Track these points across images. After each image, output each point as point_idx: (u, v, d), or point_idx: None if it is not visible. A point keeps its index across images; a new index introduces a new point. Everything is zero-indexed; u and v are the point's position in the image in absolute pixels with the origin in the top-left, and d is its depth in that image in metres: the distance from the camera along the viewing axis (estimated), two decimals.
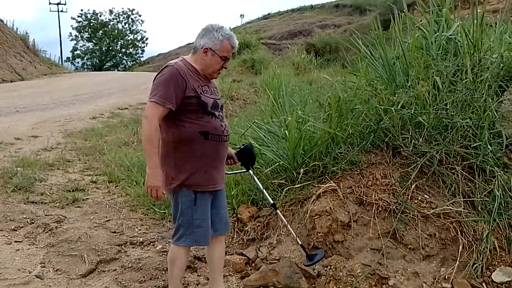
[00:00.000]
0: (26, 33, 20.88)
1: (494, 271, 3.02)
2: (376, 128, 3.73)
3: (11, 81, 16.07)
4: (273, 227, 3.74)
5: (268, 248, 3.58)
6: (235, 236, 3.89)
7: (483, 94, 3.61)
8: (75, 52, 46.83)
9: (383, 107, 3.70)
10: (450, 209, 3.24)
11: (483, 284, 2.95)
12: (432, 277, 3.07)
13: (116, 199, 4.98)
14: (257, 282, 3.19)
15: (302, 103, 4.97)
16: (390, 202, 3.35)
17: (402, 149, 3.56)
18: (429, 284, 3.03)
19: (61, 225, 4.05)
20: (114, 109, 10.93)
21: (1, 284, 2.99)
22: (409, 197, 3.37)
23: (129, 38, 48.55)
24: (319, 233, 3.38)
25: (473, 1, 4.32)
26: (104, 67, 45.38)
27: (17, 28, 20.88)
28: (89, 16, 46.81)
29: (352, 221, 3.38)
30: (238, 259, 3.50)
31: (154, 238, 3.98)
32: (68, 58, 45.20)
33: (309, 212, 3.48)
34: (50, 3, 40.67)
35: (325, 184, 3.60)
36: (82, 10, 52.62)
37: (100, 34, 46.52)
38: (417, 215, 3.27)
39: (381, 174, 3.57)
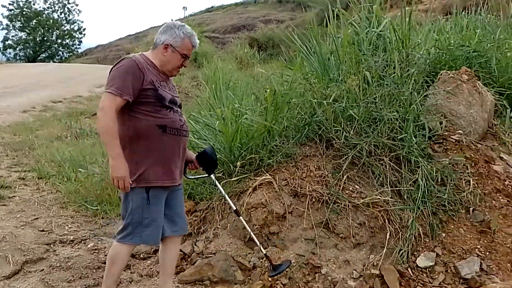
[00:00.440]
0: None
1: (418, 256, 3.18)
2: (310, 121, 3.80)
3: None
4: (210, 221, 3.72)
5: (204, 242, 3.55)
6: None
7: (409, 88, 3.80)
8: (7, 42, 43.85)
9: (316, 100, 3.78)
10: (379, 198, 3.38)
11: (409, 269, 3.10)
12: (362, 264, 3.19)
13: (45, 196, 4.76)
14: (192, 276, 3.16)
15: (240, 96, 4.97)
16: (323, 193, 3.44)
17: (334, 142, 3.66)
18: (359, 271, 3.14)
19: None
20: (47, 102, 10.42)
21: None
22: (341, 188, 3.47)
23: (65, 29, 46.13)
24: (255, 225, 3.40)
25: (405, 0, 4.52)
26: (39, 58, 42.89)
27: None
28: (21, 4, 43.99)
29: (287, 212, 3.43)
30: None
31: (85, 235, 3.83)
32: None
33: (245, 205, 3.49)
34: None
35: (261, 176, 3.62)
36: None
37: (33, 23, 43.88)
38: (348, 205, 3.38)
39: (315, 166, 3.65)
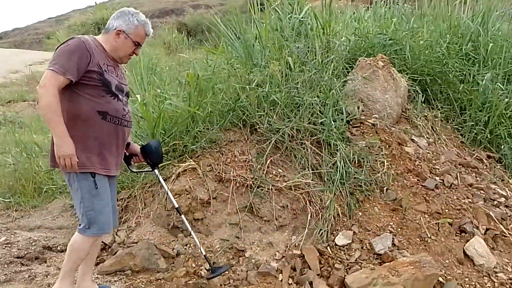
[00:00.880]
0: None
1: (337, 235, 3.32)
2: (234, 106, 3.80)
3: None
4: (132, 210, 3.61)
5: (126, 232, 3.44)
6: None
7: (329, 74, 3.91)
8: None
9: (240, 85, 3.78)
10: (300, 181, 3.47)
11: (328, 248, 3.22)
12: (284, 246, 3.27)
13: None
14: (112, 267, 3.06)
15: (163, 81, 4.84)
16: (248, 178, 3.47)
17: (258, 127, 3.70)
18: (281, 252, 3.22)
19: None
20: None
21: None
22: (265, 172, 3.52)
23: None
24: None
25: None
26: None
27: None
28: None
29: (211, 198, 3.43)
30: None
31: None
32: None
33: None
34: None
35: (185, 163, 3.58)
36: None
37: None
38: (271, 188, 3.44)
39: (239, 151, 3.67)
